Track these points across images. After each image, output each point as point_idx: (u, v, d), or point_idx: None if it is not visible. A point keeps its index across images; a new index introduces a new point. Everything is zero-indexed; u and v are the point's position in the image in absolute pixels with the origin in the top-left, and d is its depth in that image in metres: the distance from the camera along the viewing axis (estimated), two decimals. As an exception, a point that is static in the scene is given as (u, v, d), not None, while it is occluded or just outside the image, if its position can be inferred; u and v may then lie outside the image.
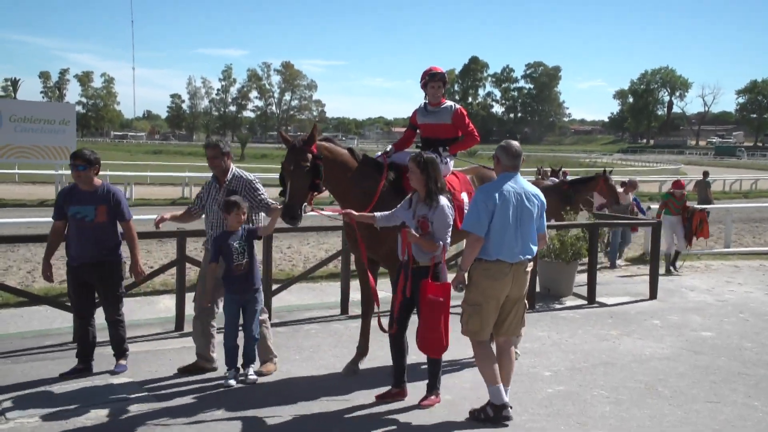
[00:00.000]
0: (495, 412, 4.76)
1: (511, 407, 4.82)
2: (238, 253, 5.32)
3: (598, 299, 8.95)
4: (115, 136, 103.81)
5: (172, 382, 5.47)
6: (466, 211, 5.77)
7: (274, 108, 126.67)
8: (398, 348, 5.14)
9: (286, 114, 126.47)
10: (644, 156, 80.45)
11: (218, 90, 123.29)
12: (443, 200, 4.95)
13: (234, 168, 5.72)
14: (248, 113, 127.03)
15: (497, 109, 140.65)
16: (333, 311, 7.95)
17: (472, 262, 4.69)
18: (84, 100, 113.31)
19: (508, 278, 4.69)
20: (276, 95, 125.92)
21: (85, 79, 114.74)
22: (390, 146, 6.18)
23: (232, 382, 5.36)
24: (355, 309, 7.96)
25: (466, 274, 4.76)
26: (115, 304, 5.65)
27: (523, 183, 4.79)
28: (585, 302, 8.91)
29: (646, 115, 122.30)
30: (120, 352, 5.75)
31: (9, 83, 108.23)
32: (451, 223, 4.97)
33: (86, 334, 5.66)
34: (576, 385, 5.67)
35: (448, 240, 5.00)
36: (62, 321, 6.83)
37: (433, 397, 5.10)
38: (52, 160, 21.74)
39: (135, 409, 4.90)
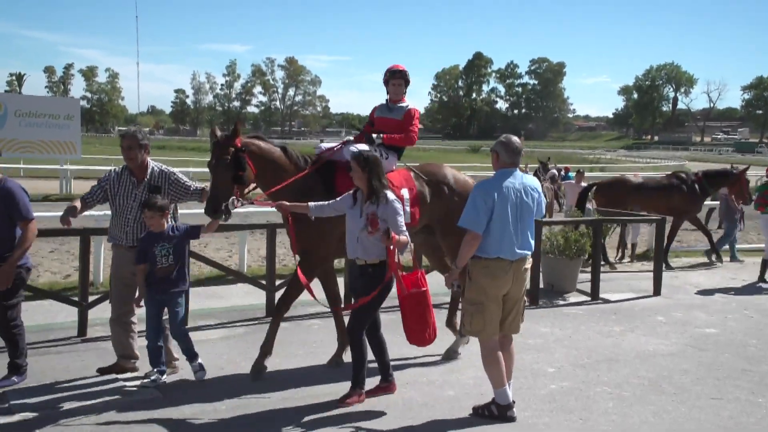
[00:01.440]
0: (500, 412, 4.74)
1: (515, 402, 4.81)
2: (162, 256, 5.14)
3: (601, 295, 8.93)
4: (120, 131, 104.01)
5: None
6: (407, 208, 5.78)
7: (278, 103, 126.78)
8: (376, 347, 5.13)
9: (290, 109, 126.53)
10: (648, 152, 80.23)
11: (222, 85, 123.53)
12: (389, 194, 4.90)
13: (153, 163, 5.44)
14: (252, 108, 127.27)
15: (501, 104, 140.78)
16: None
17: (471, 260, 4.64)
18: (88, 95, 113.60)
19: (509, 276, 4.65)
20: (280, 91, 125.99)
21: (89, 74, 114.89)
22: (347, 139, 6.14)
23: (156, 378, 5.23)
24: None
25: (458, 272, 4.73)
26: (4, 311, 5.15)
27: (523, 178, 4.73)
28: (588, 298, 8.89)
29: (651, 111, 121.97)
30: (11, 366, 5.24)
31: (14, 78, 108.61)
32: (402, 216, 4.92)
33: None
34: (579, 381, 5.67)
35: (407, 232, 4.95)
36: (66, 315, 6.84)
37: (362, 394, 5.04)
38: (57, 155, 21.77)
39: (137, 405, 4.92)
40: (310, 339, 6.71)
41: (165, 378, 5.31)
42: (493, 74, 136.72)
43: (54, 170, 23.89)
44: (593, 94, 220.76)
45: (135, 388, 5.20)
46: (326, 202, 5.14)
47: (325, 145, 6.02)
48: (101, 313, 6.58)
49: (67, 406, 4.84)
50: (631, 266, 11.85)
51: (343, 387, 5.20)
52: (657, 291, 9.26)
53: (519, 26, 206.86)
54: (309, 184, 5.54)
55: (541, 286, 9.01)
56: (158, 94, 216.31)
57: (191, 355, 5.31)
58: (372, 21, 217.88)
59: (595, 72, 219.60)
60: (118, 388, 5.19)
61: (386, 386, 5.19)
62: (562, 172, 23.07)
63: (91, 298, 6.77)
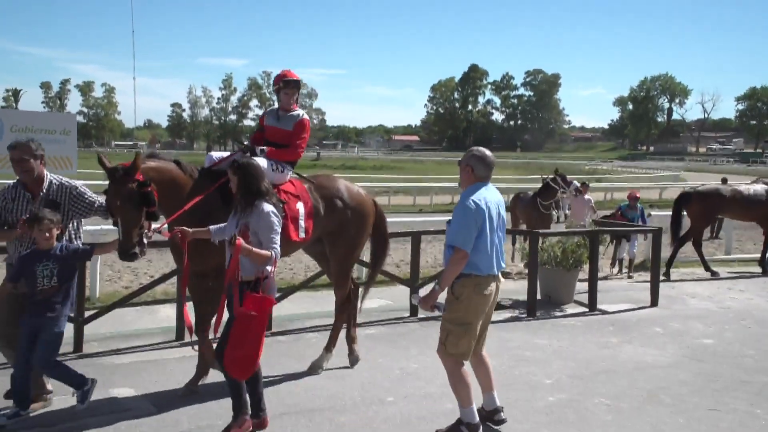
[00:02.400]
0: (471, 431, 4.60)
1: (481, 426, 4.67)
2: (44, 276, 4.63)
3: (599, 306, 8.94)
4: (117, 145, 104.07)
5: (173, 391, 5.46)
6: (302, 223, 5.66)
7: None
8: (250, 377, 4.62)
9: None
10: (644, 163, 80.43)
11: (219, 99, 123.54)
12: (266, 205, 4.53)
13: (50, 175, 4.97)
14: (249, 122, 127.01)
15: (497, 116, 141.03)
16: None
17: (459, 279, 4.45)
18: (85, 110, 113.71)
19: (494, 291, 4.62)
20: (276, 104, 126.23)
21: (86, 89, 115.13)
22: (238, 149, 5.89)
23: (3, 420, 4.59)
24: (360, 317, 7.97)
25: (439, 293, 4.49)
26: None
27: (494, 191, 4.64)
28: (586, 309, 8.89)
29: (646, 122, 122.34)
30: None
31: (10, 94, 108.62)
32: (279, 229, 4.54)
33: None
34: (577, 393, 5.66)
35: (278, 248, 4.53)
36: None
37: (236, 427, 4.52)
38: (54, 170, 21.77)
39: (137, 421, 4.89)
40: (309, 353, 6.69)
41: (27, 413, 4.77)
42: (489, 86, 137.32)
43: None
44: (588, 105, 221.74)
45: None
46: (224, 224, 4.77)
47: (216, 154, 5.78)
48: (96, 329, 6.57)
49: (67, 420, 4.81)
50: (630, 280, 11.84)
51: (342, 400, 5.18)
52: (654, 302, 9.27)
53: (514, 38, 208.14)
54: (208, 200, 5.15)
55: (539, 297, 9.01)
56: (155, 108, 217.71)
57: (76, 383, 4.80)
58: (368, 34, 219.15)
59: (590, 83, 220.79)
60: (112, 401, 5.16)
61: (257, 422, 4.66)
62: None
63: (86, 314, 6.75)
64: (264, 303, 4.42)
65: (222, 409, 5.08)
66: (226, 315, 4.59)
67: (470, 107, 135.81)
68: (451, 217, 4.51)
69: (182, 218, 4.96)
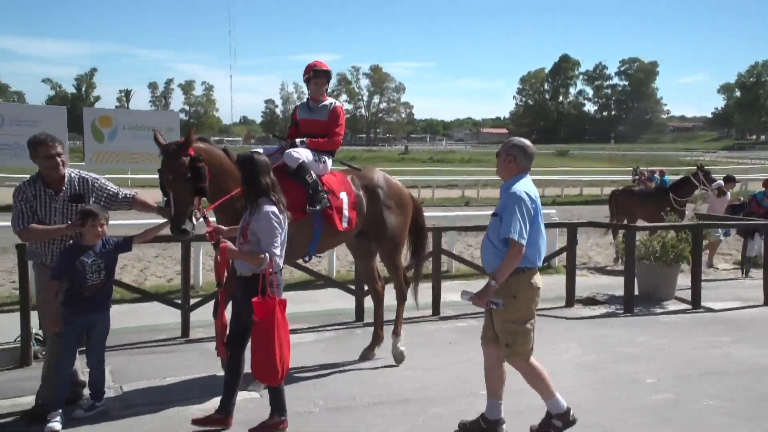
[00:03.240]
0: (563, 423, 4.38)
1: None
2: (93, 271, 4.58)
3: (704, 304, 8.45)
4: (215, 141, 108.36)
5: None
6: (346, 213, 5.61)
7: (362, 111, 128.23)
8: (230, 371, 4.55)
9: (374, 116, 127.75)
10: (751, 153, 75.40)
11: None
12: (266, 205, 4.31)
13: (68, 170, 4.77)
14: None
15: (589, 107, 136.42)
16: (424, 312, 7.93)
17: (514, 275, 4.20)
18: (186, 107, 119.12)
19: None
20: (365, 98, 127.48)
21: (187, 87, 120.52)
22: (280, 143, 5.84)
23: (57, 425, 4.40)
24: (447, 310, 7.94)
25: (494, 288, 4.20)
26: None
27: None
28: (689, 307, 8.43)
29: (756, 109, 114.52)
30: None
31: (123, 94, 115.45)
32: (278, 230, 4.32)
33: None
34: (683, 393, 5.36)
35: (276, 250, 4.32)
36: (170, 317, 7.15)
37: (269, 423, 4.44)
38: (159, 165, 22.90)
39: (243, 405, 5.06)
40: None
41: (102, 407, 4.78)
42: (581, 76, 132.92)
43: (155, 179, 25.11)
44: (690, 93, 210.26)
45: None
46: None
47: (265, 147, 5.74)
48: (201, 316, 6.86)
49: (176, 400, 5.06)
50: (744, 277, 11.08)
51: (434, 391, 5.15)
52: None
53: (607, 26, 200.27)
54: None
55: (636, 293, 8.64)
56: (250, 104, 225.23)
57: (101, 391, 4.78)
58: (457, 27, 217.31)
59: (691, 70, 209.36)
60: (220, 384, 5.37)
61: (219, 418, 4.50)
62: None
63: (192, 301, 7.07)
64: (268, 306, 4.23)
65: (318, 392, 5.19)
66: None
67: (561, 98, 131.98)
68: (496, 210, 4.31)
69: (224, 208, 4.93)
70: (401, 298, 6.34)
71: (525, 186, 4.27)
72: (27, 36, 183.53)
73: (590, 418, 4.75)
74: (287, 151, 5.57)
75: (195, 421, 4.51)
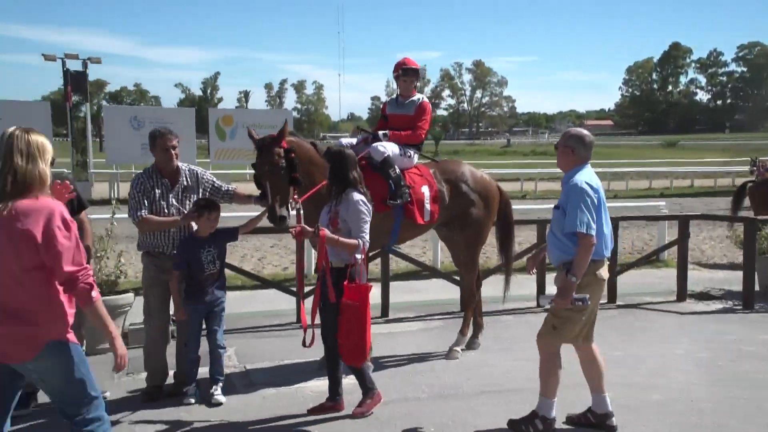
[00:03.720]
0: (545, 427, 4.22)
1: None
2: (209, 261, 4.71)
3: (838, 303, 7.70)
4: (323, 137, 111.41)
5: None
6: (427, 206, 5.51)
7: (465, 105, 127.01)
8: (331, 360, 4.61)
9: (477, 111, 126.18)
10: None
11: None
12: (355, 194, 4.39)
13: (179, 162, 4.87)
14: (441, 111, 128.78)
15: (701, 96, 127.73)
16: (529, 303, 7.75)
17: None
18: (298, 106, 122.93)
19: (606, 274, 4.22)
20: (467, 93, 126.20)
21: (299, 87, 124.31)
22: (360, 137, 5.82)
23: (192, 399, 4.73)
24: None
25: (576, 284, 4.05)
26: None
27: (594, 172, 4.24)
28: (822, 304, 7.71)
29: None
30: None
31: (242, 95, 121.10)
32: (367, 218, 4.38)
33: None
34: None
35: (366, 237, 4.37)
36: (286, 303, 7.39)
37: (368, 402, 4.52)
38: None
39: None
40: (504, 335, 6.60)
41: (221, 397, 4.84)
42: (693, 64, 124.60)
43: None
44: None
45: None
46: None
47: (346, 140, 5.71)
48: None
49: (293, 380, 5.24)
50: None
51: (532, 382, 5.01)
52: None
53: (722, 11, 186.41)
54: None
55: (757, 288, 8.00)
56: (357, 101, 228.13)
57: (220, 375, 4.88)
58: (559, 20, 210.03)
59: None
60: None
61: (331, 405, 4.60)
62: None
63: (306, 289, 7.26)
64: (361, 291, 4.32)
65: (425, 379, 5.18)
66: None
67: (670, 88, 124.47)
68: (559, 203, 4.14)
69: (311, 197, 4.94)
70: (471, 294, 6.16)
71: (586, 176, 4.11)
72: (162, 45, 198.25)
73: (709, 419, 4.46)
74: (373, 144, 5.60)
75: (311, 411, 4.59)
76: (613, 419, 4.29)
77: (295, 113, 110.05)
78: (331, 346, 4.52)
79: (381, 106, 6.25)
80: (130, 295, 6.17)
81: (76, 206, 4.63)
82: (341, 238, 4.32)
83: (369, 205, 4.46)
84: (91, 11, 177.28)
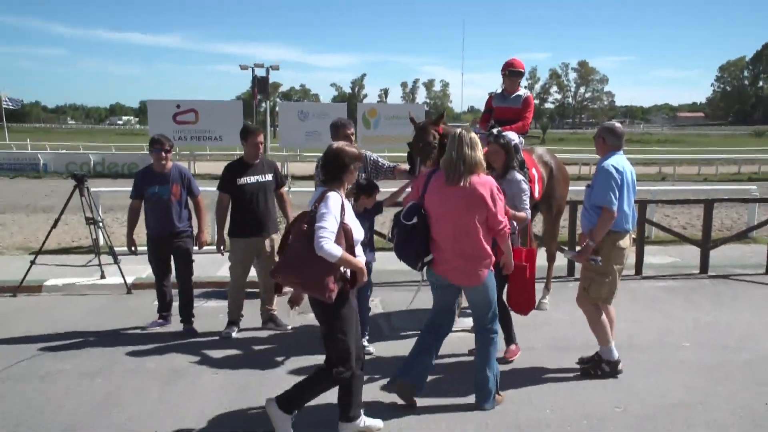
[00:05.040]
0: (611, 369, 4.16)
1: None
2: (366, 230, 4.22)
3: None
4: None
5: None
6: (537, 185, 5.32)
7: (570, 100, 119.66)
8: (504, 314, 4.42)
9: (580, 105, 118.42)
10: None
11: (525, 87, 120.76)
12: (517, 174, 4.36)
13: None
14: (548, 105, 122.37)
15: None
16: (628, 271, 7.22)
17: (606, 236, 4.01)
18: (428, 101, 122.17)
19: (630, 246, 4.09)
20: (572, 90, 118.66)
21: (429, 85, 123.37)
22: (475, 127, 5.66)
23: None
24: (648, 271, 7.17)
25: (592, 248, 4.01)
26: (186, 269, 5.08)
27: (626, 159, 4.10)
28: None
29: None
30: (186, 316, 5.07)
31: (382, 92, 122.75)
32: (528, 194, 4.37)
33: (164, 294, 5.21)
34: None
35: (529, 209, 4.36)
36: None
37: (513, 348, 4.51)
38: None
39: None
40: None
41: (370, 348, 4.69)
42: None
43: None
44: None
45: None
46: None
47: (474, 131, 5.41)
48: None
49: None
50: None
51: (639, 340, 4.70)
52: None
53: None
54: None
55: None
56: (477, 96, 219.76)
57: (364, 330, 4.62)
58: (657, 21, 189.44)
59: None
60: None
61: (515, 349, 4.54)
62: None
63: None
64: (530, 254, 4.30)
65: (538, 334, 5.04)
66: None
67: (761, 83, 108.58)
68: (591, 182, 4.07)
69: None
70: (552, 259, 6.08)
71: (614, 161, 4.02)
72: (321, 53, 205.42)
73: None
74: (504, 133, 5.33)
75: (471, 352, 4.37)
76: (620, 365, 4.20)
77: (425, 107, 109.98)
78: (503, 303, 4.42)
79: (486, 99, 6.00)
80: None
81: (279, 182, 5.07)
82: (515, 212, 4.18)
83: (527, 183, 4.45)
84: (270, 29, 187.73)
